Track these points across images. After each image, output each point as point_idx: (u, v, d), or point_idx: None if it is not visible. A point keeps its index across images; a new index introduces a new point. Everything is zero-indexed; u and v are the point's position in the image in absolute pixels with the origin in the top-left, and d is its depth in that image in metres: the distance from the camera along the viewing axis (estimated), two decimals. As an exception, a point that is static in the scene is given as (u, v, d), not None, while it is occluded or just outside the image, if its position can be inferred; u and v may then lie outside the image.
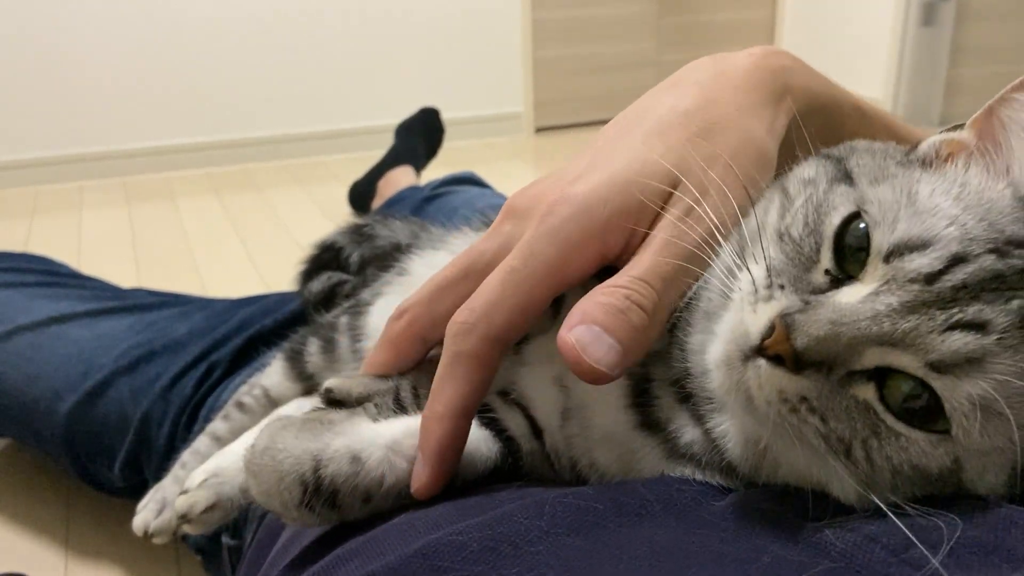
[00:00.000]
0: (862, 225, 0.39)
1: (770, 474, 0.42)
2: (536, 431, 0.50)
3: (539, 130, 3.79)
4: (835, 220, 0.40)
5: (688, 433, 0.44)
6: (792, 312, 0.37)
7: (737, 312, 0.39)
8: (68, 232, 2.56)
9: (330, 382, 0.49)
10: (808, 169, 0.45)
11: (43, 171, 3.07)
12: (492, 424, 0.49)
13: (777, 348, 0.36)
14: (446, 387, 0.43)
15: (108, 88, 3.10)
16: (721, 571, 0.34)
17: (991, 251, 0.36)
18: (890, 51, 3.56)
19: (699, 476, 0.44)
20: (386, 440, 0.43)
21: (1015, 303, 0.35)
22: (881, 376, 0.37)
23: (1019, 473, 0.37)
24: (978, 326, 0.35)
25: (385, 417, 0.46)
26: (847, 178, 0.42)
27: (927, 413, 0.36)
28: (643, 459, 0.46)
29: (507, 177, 2.92)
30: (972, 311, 0.35)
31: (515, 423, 0.50)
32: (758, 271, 0.40)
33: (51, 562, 1.16)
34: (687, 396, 0.44)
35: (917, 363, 0.36)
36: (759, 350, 0.37)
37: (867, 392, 0.37)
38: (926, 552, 0.32)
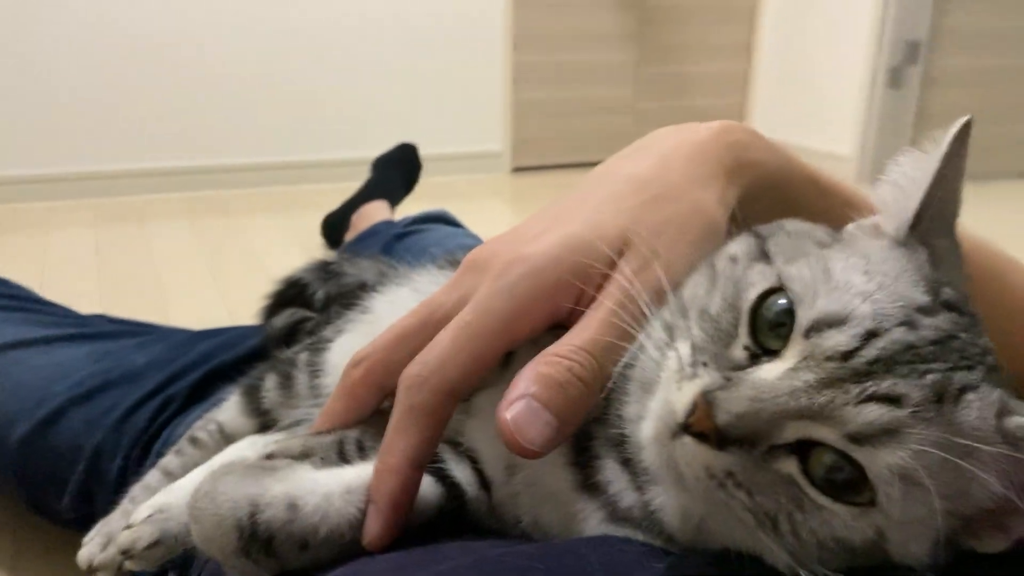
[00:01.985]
0: (781, 301, 0.40)
1: (708, 544, 0.43)
2: (484, 483, 0.50)
3: (517, 169, 3.82)
4: (751, 296, 0.41)
5: (628, 498, 0.45)
6: (713, 390, 0.38)
7: (664, 390, 0.41)
8: (33, 253, 2.52)
9: (271, 448, 0.49)
10: (735, 246, 0.47)
11: (11, 189, 3.04)
12: (437, 471, 0.49)
13: (700, 426, 0.38)
14: (399, 440, 0.44)
15: (82, 109, 3.09)
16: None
17: (902, 323, 0.38)
18: (858, 111, 3.65)
19: (641, 537, 0.44)
20: (325, 489, 0.43)
21: (929, 378, 0.37)
22: (804, 449, 0.38)
23: (941, 543, 0.38)
24: (892, 399, 0.36)
25: (328, 467, 0.46)
26: (764, 257, 0.44)
27: (850, 485, 0.37)
28: (585, 520, 0.46)
29: (484, 214, 2.93)
30: (886, 385, 0.36)
31: (462, 473, 0.50)
32: (684, 348, 0.41)
33: (-8, 594, 1.13)
34: (627, 459, 0.45)
35: (836, 435, 0.37)
36: (685, 427, 0.38)
37: (790, 466, 0.38)
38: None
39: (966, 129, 0.44)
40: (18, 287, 1.35)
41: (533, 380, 0.41)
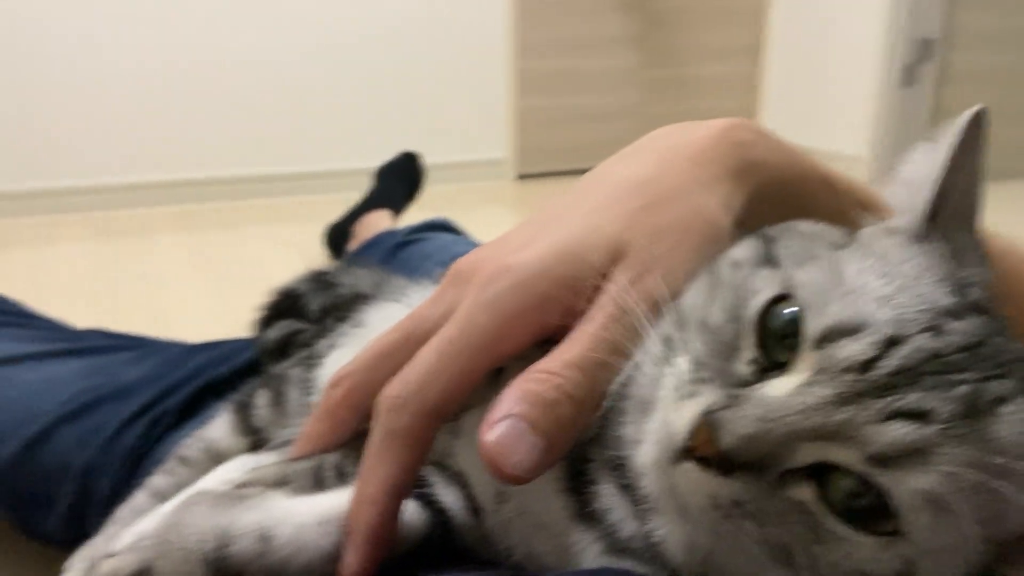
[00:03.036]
0: (789, 309, 0.37)
1: None
2: (474, 508, 0.47)
3: (521, 177, 3.79)
4: (757, 304, 0.38)
5: (628, 527, 0.41)
6: (716, 409, 0.34)
7: (663, 410, 0.37)
8: (32, 267, 2.51)
9: (244, 478, 0.46)
10: (739, 250, 0.43)
11: (13, 204, 3.02)
12: (423, 496, 0.46)
13: (703, 450, 0.34)
14: (377, 468, 0.41)
15: (82, 123, 3.07)
16: None
17: (926, 329, 0.34)
18: (870, 111, 3.61)
19: (643, 570, 0.40)
20: (299, 519, 0.40)
21: (959, 389, 0.33)
22: (820, 473, 0.34)
23: (973, 573, 0.34)
24: (919, 415, 0.33)
25: (303, 494, 0.43)
26: (770, 261, 0.40)
27: (873, 513, 0.33)
28: (583, 552, 0.42)
29: (489, 223, 2.90)
30: (912, 399, 0.33)
31: (451, 498, 0.47)
32: (683, 364, 0.38)
33: (-18, 618, 1.10)
34: (626, 485, 0.41)
35: (857, 457, 0.33)
36: (686, 451, 0.35)
37: (805, 493, 0.34)
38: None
39: (979, 118, 0.40)
40: (9, 302, 1.33)
41: (518, 399, 0.38)
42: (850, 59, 3.68)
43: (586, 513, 0.42)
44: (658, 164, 0.49)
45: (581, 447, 0.43)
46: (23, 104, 2.98)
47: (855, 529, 0.33)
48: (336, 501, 0.42)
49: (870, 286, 0.36)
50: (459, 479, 0.48)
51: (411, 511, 0.44)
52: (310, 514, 0.41)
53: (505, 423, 0.38)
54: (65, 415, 1.02)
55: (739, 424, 0.33)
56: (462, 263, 0.48)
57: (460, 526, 0.46)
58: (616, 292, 0.42)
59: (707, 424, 0.34)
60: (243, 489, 0.43)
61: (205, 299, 2.26)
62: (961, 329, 0.35)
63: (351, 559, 0.40)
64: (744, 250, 0.43)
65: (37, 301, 1.40)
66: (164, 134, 3.19)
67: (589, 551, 0.42)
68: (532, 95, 3.74)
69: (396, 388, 0.42)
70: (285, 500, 0.42)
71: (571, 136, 3.84)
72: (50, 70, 2.99)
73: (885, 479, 0.33)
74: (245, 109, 3.28)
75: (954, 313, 0.35)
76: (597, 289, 0.43)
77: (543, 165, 3.82)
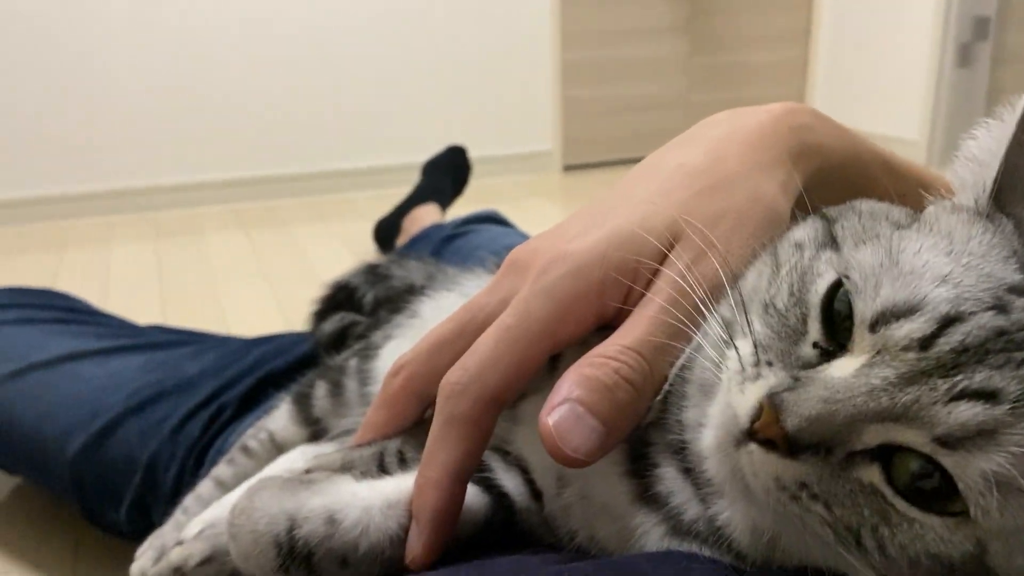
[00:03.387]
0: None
1: (784, 561, 0.38)
2: (536, 493, 0.47)
3: (567, 168, 3.78)
4: (820, 288, 0.37)
5: (691, 510, 0.41)
6: (780, 391, 0.34)
7: (725, 394, 0.37)
8: (96, 267, 2.58)
9: (309, 465, 0.47)
10: (800, 231, 0.42)
11: (73, 206, 3.12)
12: (484, 481, 0.46)
13: (767, 432, 0.34)
14: (439, 453, 0.41)
15: (137, 125, 3.15)
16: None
17: (990, 307, 0.33)
18: (925, 93, 3.51)
19: (707, 553, 0.40)
20: (365, 502, 0.41)
21: None
22: (886, 455, 0.33)
23: None
24: (987, 395, 0.32)
25: (368, 479, 0.44)
26: (833, 242, 0.40)
27: (940, 494, 0.33)
28: (645, 535, 0.42)
29: (534, 215, 2.90)
30: (979, 378, 0.32)
31: (512, 483, 0.47)
32: (745, 347, 0.37)
33: (55, 605, 1.14)
34: (689, 469, 0.41)
35: (923, 438, 0.32)
36: (750, 434, 0.34)
37: (872, 474, 0.33)
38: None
39: None
40: (74, 300, 1.37)
41: (577, 383, 0.38)
42: (903, 40, 3.59)
43: (648, 496, 0.42)
44: (713, 150, 0.48)
45: (642, 430, 0.43)
46: (79, 109, 3.08)
47: (923, 510, 0.33)
48: (401, 485, 0.43)
49: (930, 265, 0.35)
50: (519, 465, 0.48)
51: (472, 495, 0.45)
52: (376, 497, 0.42)
53: (564, 407, 0.38)
54: (130, 408, 1.05)
55: (804, 406, 0.33)
56: (518, 252, 0.48)
57: (522, 510, 0.47)
58: (673, 276, 0.42)
59: (772, 406, 0.33)
60: (309, 475, 0.44)
61: (259, 295, 2.30)
62: None
63: (416, 542, 0.40)
64: (805, 230, 0.42)
65: (96, 300, 1.44)
66: (216, 135, 3.26)
67: (652, 534, 0.42)
68: (577, 86, 3.73)
69: (456, 375, 0.42)
70: (351, 484, 0.43)
71: (617, 126, 3.82)
72: (104, 75, 3.08)
73: (951, 461, 0.32)
74: (293, 108, 3.33)
75: (1021, 290, 0.34)
76: (654, 275, 0.43)
77: (589, 156, 3.80)
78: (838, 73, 3.94)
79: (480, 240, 1.64)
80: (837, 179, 0.51)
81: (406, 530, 0.41)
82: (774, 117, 0.50)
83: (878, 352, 0.34)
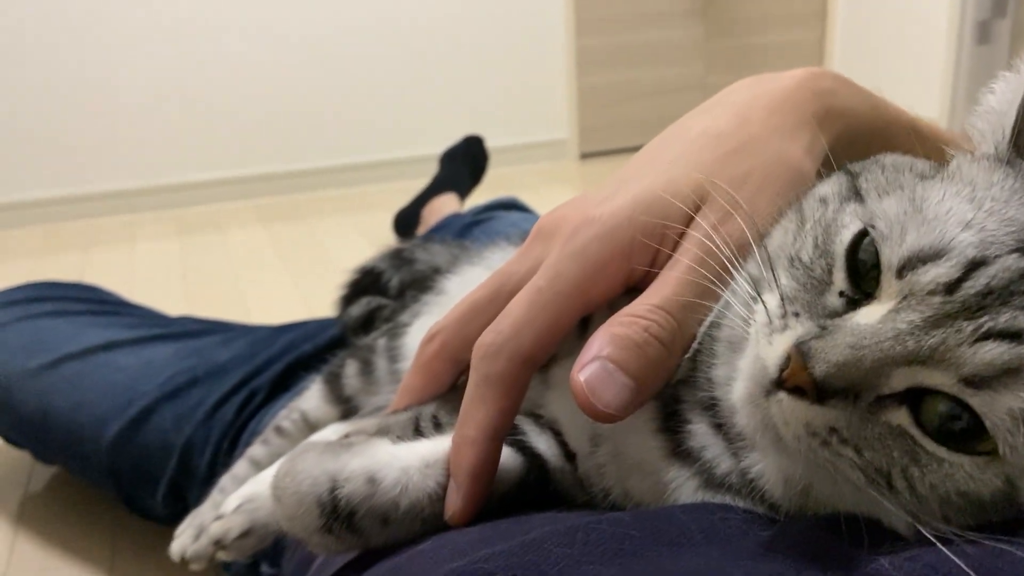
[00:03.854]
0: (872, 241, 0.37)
1: (817, 509, 0.39)
2: (569, 455, 0.48)
3: (584, 156, 3.78)
4: (845, 238, 0.38)
5: (724, 464, 0.42)
6: (808, 339, 0.35)
7: (754, 346, 0.37)
8: (122, 264, 2.62)
9: (347, 430, 0.48)
10: (824, 187, 0.43)
11: (98, 205, 3.16)
12: (517, 443, 0.47)
13: (796, 379, 0.34)
14: (475, 412, 0.42)
15: (160, 123, 3.19)
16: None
17: (1014, 250, 0.34)
18: (944, 71, 3.48)
19: (741, 504, 0.41)
20: (403, 462, 0.42)
21: None
22: (914, 398, 0.34)
23: None
24: (1012, 335, 0.32)
25: (405, 442, 0.45)
26: (857, 195, 0.40)
27: (969, 434, 0.33)
28: (679, 489, 0.43)
29: (552, 203, 2.90)
30: (1004, 319, 0.33)
31: (544, 444, 0.48)
32: (772, 300, 0.38)
33: (96, 589, 1.17)
34: (720, 424, 0.42)
35: (951, 379, 0.33)
36: (779, 383, 0.35)
37: (900, 417, 0.34)
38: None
39: None
40: (104, 292, 1.39)
41: (608, 341, 0.39)
42: (920, 18, 3.55)
43: (681, 452, 0.43)
44: (737, 115, 0.49)
45: (673, 388, 0.44)
46: (102, 110, 3.11)
47: (952, 450, 0.33)
48: (437, 446, 0.44)
49: (954, 211, 0.36)
50: (552, 428, 0.49)
51: (506, 456, 0.46)
52: (413, 458, 0.43)
53: (595, 364, 0.39)
54: (164, 395, 1.07)
55: (831, 352, 0.34)
56: (546, 219, 0.49)
57: (555, 470, 0.48)
58: (700, 236, 0.43)
59: (799, 354, 0.34)
60: (348, 439, 0.45)
61: (281, 289, 2.33)
62: None
63: (454, 498, 0.42)
64: (830, 186, 0.43)
65: (127, 296, 1.47)
66: (236, 132, 3.29)
67: (685, 488, 0.43)
68: (592, 73, 3.72)
69: (490, 336, 0.43)
70: (389, 446, 0.44)
71: (633, 112, 3.81)
72: (126, 76, 3.11)
73: (979, 400, 0.33)
74: (312, 104, 3.35)
75: None
76: (682, 235, 0.44)
77: (606, 143, 3.80)
78: (855, 53, 3.90)
79: (500, 226, 1.65)
80: (861, 142, 0.52)
81: (444, 488, 0.42)
82: (798, 82, 0.51)
83: (904, 297, 0.34)
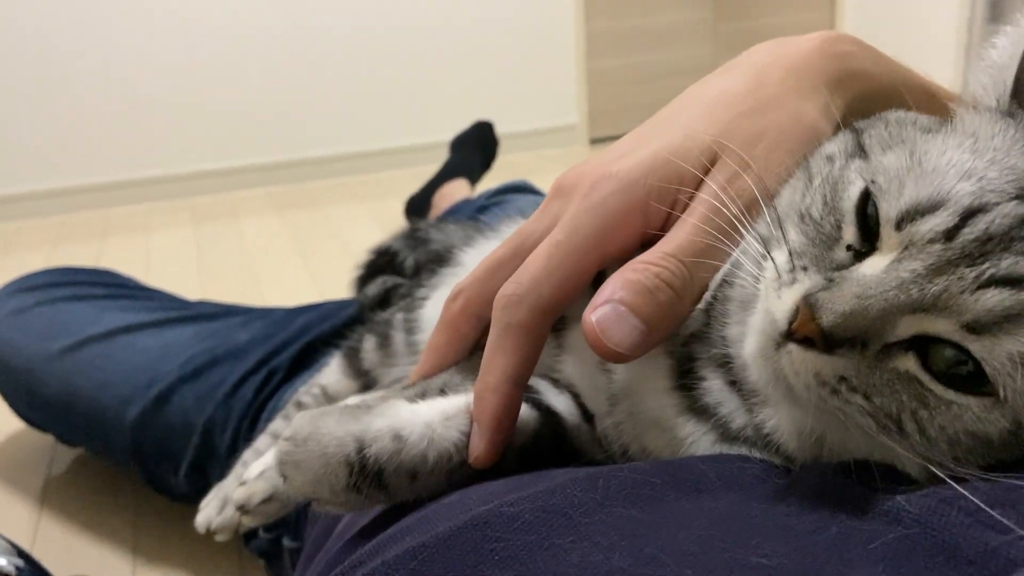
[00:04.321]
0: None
1: (831, 459, 0.40)
2: (587, 415, 0.49)
3: (594, 141, 3.78)
4: (853, 194, 0.38)
5: (739, 419, 0.43)
6: (815, 292, 0.36)
7: (764, 301, 0.38)
8: (137, 252, 2.64)
9: (358, 399, 0.50)
10: (831, 145, 0.44)
11: (113, 194, 3.19)
12: (532, 399, 0.49)
13: (804, 330, 0.35)
14: (498, 359, 0.44)
15: (173, 113, 3.21)
16: (786, 543, 0.32)
17: (1014, 197, 0.34)
18: (956, 49, 3.45)
19: (758, 455, 0.42)
20: (425, 418, 0.44)
21: None
22: (921, 344, 0.35)
23: None
24: (1014, 281, 0.33)
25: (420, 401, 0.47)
26: (861, 151, 0.41)
27: (976, 377, 0.34)
28: (696, 444, 0.44)
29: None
30: (1005, 265, 0.33)
31: (562, 404, 0.49)
32: (780, 256, 0.39)
33: (120, 567, 1.19)
34: (734, 381, 0.43)
35: (953, 327, 0.34)
36: (788, 335, 0.36)
37: (908, 363, 0.35)
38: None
39: None
40: (122, 277, 1.41)
41: (620, 286, 0.41)
42: (932, -3, 3.53)
43: (697, 408, 0.44)
44: (755, 76, 0.50)
45: (687, 345, 0.45)
46: (115, 100, 3.14)
47: (960, 392, 0.34)
48: (454, 401, 0.45)
49: (954, 163, 0.36)
50: (570, 390, 0.51)
51: (523, 410, 0.47)
52: (434, 413, 0.44)
53: (607, 307, 0.40)
54: (185, 375, 1.09)
55: (838, 303, 0.34)
56: (563, 177, 0.50)
57: (572, 428, 0.49)
58: (711, 191, 0.44)
59: (808, 306, 0.35)
60: (365, 402, 0.46)
61: (295, 275, 2.34)
62: None
63: (478, 442, 0.43)
64: (836, 144, 0.43)
65: (143, 282, 1.48)
66: (249, 120, 3.31)
67: (702, 442, 0.44)
68: (602, 56, 3.72)
69: (511, 288, 0.45)
70: (409, 404, 0.45)
71: (644, 96, 3.79)
72: (142, 66, 3.13)
73: (979, 346, 0.33)
74: (323, 91, 3.36)
75: None
76: (696, 190, 0.45)
77: (616, 128, 3.78)
78: (866, 32, 3.85)
79: (513, 210, 1.65)
80: (878, 104, 0.52)
81: (467, 435, 0.44)
82: (815, 45, 0.52)
83: (906, 248, 0.35)
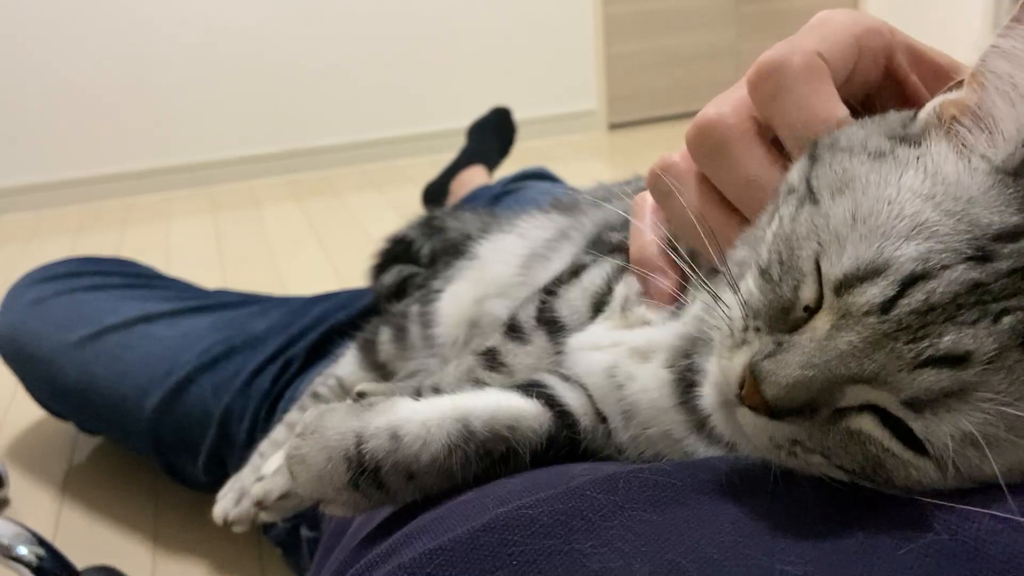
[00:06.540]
0: None
1: None
2: (601, 416, 0.49)
3: (613, 126, 3.75)
4: (809, 254, 0.35)
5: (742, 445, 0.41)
6: (759, 360, 0.34)
7: (717, 356, 0.37)
8: (157, 241, 2.65)
9: (362, 386, 0.50)
10: (793, 172, 0.40)
11: (134, 183, 3.20)
12: (543, 396, 0.48)
13: (750, 400, 0.34)
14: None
15: (193, 102, 3.22)
16: (812, 548, 0.31)
17: (967, 258, 0.31)
18: (982, 26, 3.38)
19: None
20: (423, 417, 0.44)
21: (1006, 321, 0.30)
22: (876, 407, 0.33)
23: None
24: (955, 359, 0.31)
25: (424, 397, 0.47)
26: (812, 196, 0.37)
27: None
28: (703, 455, 0.44)
29: (582, 175, 2.89)
30: (946, 342, 0.31)
31: (575, 401, 0.49)
32: (735, 310, 0.37)
33: (139, 555, 1.19)
34: None
35: (894, 402, 0.32)
36: (740, 398, 0.35)
37: (863, 423, 0.33)
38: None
39: None
40: (141, 266, 1.42)
41: None
42: (958, -23, 3.46)
43: (702, 423, 0.44)
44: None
45: (688, 357, 0.44)
46: (136, 90, 3.14)
47: (917, 453, 0.33)
48: (452, 402, 0.46)
49: (904, 213, 0.33)
50: (580, 387, 0.50)
51: (535, 409, 0.47)
52: (432, 413, 0.44)
53: None
54: (203, 365, 1.09)
55: (781, 374, 0.33)
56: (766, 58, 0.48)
57: (586, 429, 0.49)
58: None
59: (752, 374, 0.34)
60: (368, 400, 0.47)
61: (315, 262, 2.35)
62: (1017, 251, 0.31)
63: (656, 283, 0.47)
64: (796, 171, 0.40)
65: (163, 271, 1.49)
66: (268, 108, 3.30)
67: (710, 452, 0.44)
68: (620, 41, 3.67)
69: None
70: (411, 402, 0.46)
71: (663, 80, 3.75)
72: (161, 57, 3.14)
73: (920, 425, 0.31)
74: (341, 79, 3.35)
75: (1013, 235, 0.31)
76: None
77: (635, 113, 3.76)
78: (890, 12, 3.81)
79: (530, 196, 1.64)
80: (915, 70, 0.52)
81: (462, 439, 0.44)
82: (856, 14, 0.52)
83: (842, 316, 0.33)
